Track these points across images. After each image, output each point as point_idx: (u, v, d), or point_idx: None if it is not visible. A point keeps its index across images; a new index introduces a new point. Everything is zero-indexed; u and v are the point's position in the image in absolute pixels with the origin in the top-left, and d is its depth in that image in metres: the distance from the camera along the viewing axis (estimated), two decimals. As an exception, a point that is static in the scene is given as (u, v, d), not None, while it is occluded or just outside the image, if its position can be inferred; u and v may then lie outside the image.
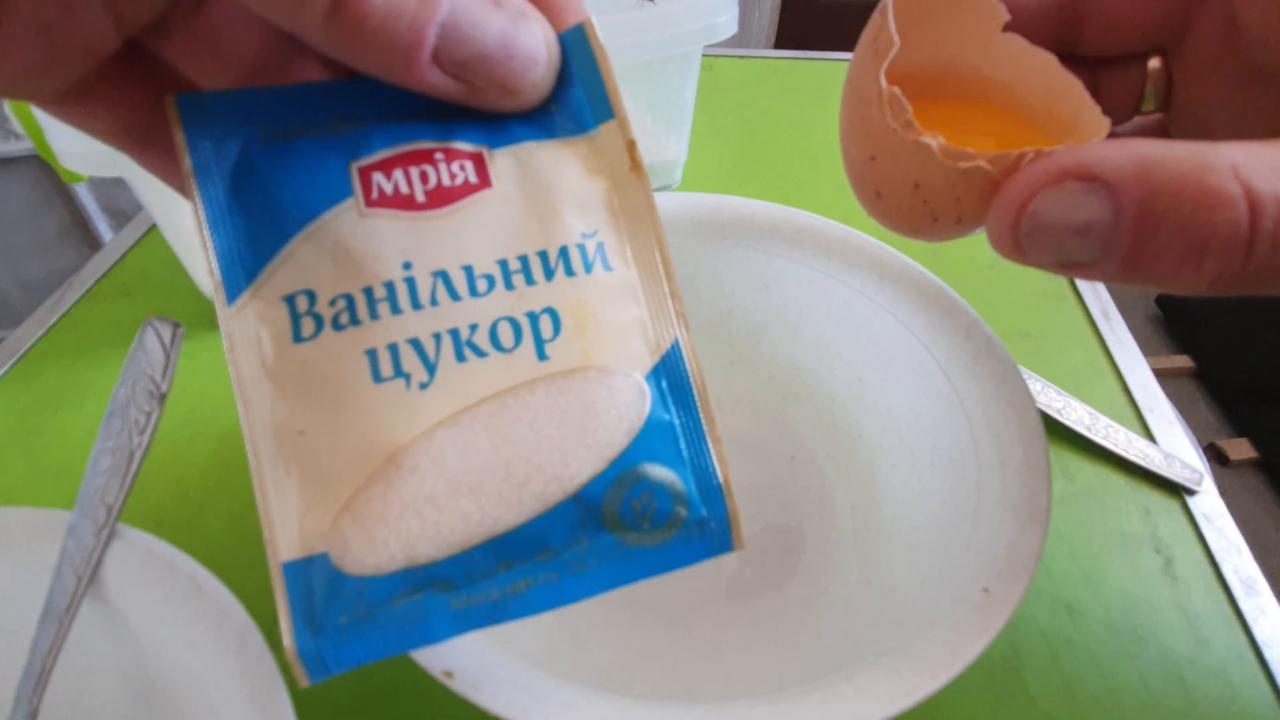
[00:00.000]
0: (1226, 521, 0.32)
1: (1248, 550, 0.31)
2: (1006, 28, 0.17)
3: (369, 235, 0.14)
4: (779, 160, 0.54)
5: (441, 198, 0.14)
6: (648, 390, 0.15)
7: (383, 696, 0.26)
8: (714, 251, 0.31)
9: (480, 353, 0.14)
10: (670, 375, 0.15)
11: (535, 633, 0.25)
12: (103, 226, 1.29)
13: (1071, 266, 0.14)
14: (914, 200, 0.16)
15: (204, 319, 0.42)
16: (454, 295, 0.14)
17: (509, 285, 0.14)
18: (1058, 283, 0.44)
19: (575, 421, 0.14)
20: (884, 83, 0.15)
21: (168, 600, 0.21)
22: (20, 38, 0.12)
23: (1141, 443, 0.34)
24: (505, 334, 0.14)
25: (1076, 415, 0.35)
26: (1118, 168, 0.12)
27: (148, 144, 0.15)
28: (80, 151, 0.31)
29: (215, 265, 0.14)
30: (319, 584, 0.13)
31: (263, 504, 0.13)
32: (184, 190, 0.14)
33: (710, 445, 0.15)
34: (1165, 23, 0.18)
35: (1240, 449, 1.28)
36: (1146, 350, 0.42)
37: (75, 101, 0.14)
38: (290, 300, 0.14)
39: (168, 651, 0.21)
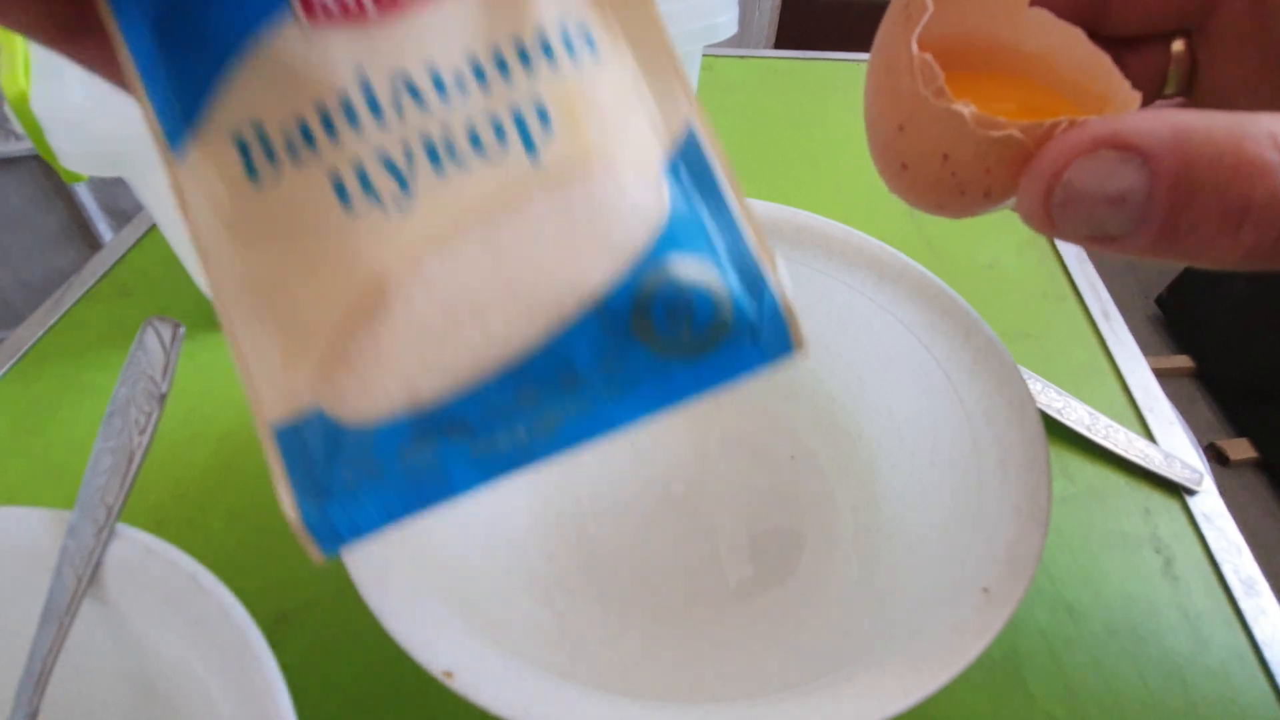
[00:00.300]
0: (1226, 521, 0.32)
1: (1248, 550, 0.31)
2: (1033, 2, 0.17)
3: (315, 50, 0.12)
4: (779, 160, 0.54)
5: (390, 3, 0.13)
6: (664, 180, 0.13)
7: (383, 696, 0.26)
8: (714, 251, 0.31)
9: (460, 160, 0.12)
10: (688, 161, 0.13)
11: (535, 633, 0.25)
12: (103, 226, 1.29)
13: (1104, 239, 0.14)
14: (942, 172, 0.16)
15: (204, 319, 0.42)
16: (419, 100, 0.12)
17: (482, 81, 0.13)
18: (1058, 283, 0.44)
19: (584, 223, 0.12)
20: (915, 49, 0.15)
21: (168, 600, 0.21)
22: None
23: (1141, 443, 0.34)
24: (487, 136, 0.12)
25: (1076, 415, 0.35)
26: (1154, 136, 0.12)
27: (78, 36, 0.14)
28: (80, 151, 0.31)
29: (154, 116, 0.13)
30: (316, 442, 0.12)
31: (241, 366, 0.12)
32: (120, 74, 0.13)
33: (747, 233, 0.13)
34: (1191, 2, 0.18)
35: (1240, 449, 1.28)
36: (1146, 350, 0.42)
37: None
38: (237, 136, 0.12)
39: (168, 651, 0.21)
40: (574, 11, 0.13)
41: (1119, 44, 0.19)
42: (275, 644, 0.20)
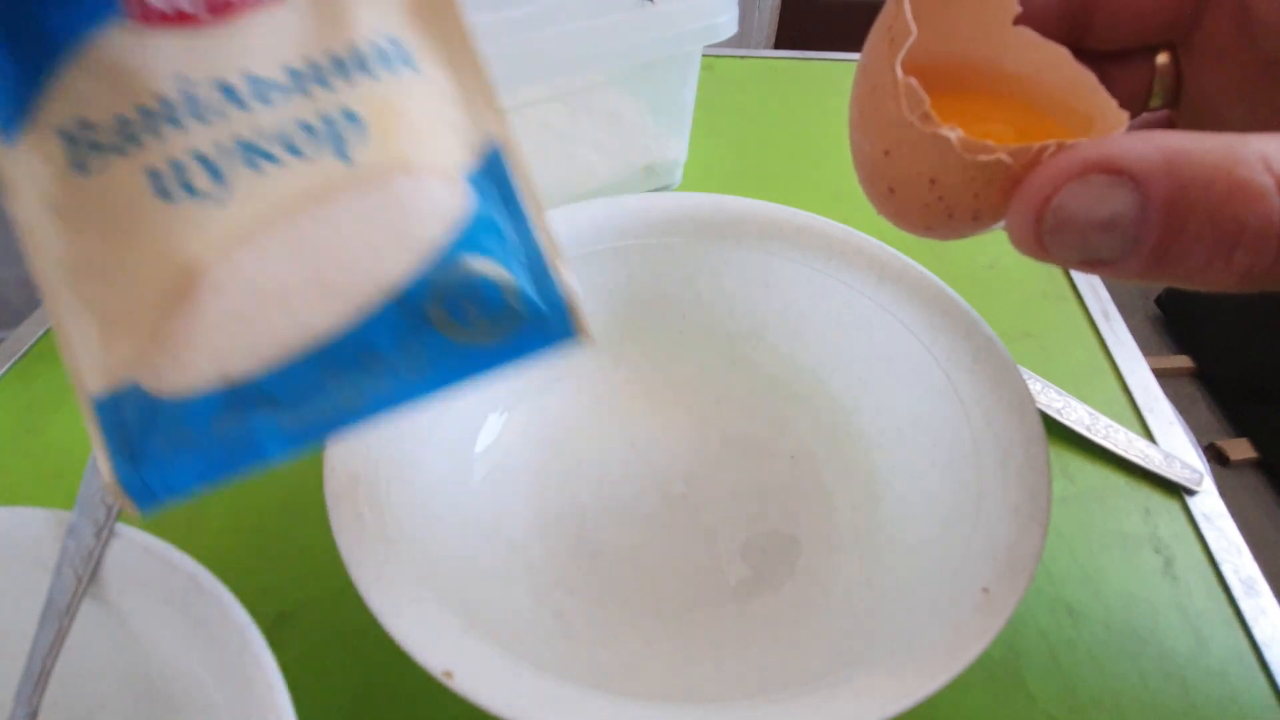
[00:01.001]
0: (1226, 521, 0.32)
1: (1248, 550, 0.31)
2: (1017, 20, 0.17)
3: (143, 54, 0.13)
4: (779, 160, 0.54)
5: (222, 9, 0.14)
6: (466, 187, 0.14)
7: (383, 696, 0.26)
8: (714, 251, 0.31)
9: (274, 160, 0.13)
10: (491, 171, 0.15)
11: (535, 633, 0.25)
12: (103, 226, 1.29)
13: (1096, 264, 0.13)
14: (929, 196, 0.16)
15: (204, 319, 0.41)
16: (240, 104, 0.13)
17: (302, 90, 0.14)
18: (1058, 283, 0.44)
19: (387, 222, 0.13)
20: (900, 73, 0.15)
21: (168, 600, 0.21)
22: None
23: (1141, 443, 0.34)
24: (301, 139, 0.14)
25: (1076, 415, 0.35)
26: (1145, 160, 0.12)
27: None
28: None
29: None
30: (132, 413, 0.13)
31: (63, 342, 0.13)
32: None
33: (538, 235, 0.15)
34: (1176, 15, 0.17)
35: (1240, 449, 1.28)
36: (1146, 350, 0.42)
37: None
38: (65, 131, 0.13)
39: (168, 651, 0.21)
40: (392, 29, 0.14)
41: (1103, 58, 0.18)
42: (275, 644, 0.20)
